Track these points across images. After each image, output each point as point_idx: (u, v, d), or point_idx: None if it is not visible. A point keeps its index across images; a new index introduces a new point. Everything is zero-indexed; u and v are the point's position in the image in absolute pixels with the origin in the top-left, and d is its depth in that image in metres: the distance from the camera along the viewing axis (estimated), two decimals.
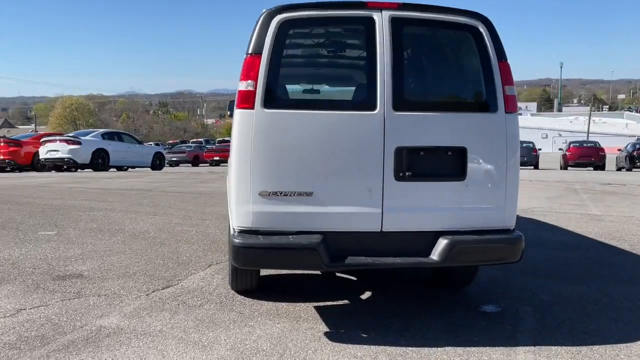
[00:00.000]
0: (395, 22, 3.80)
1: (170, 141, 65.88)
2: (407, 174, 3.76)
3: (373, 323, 4.07)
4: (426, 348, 3.60)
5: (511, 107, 3.89)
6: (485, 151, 3.88)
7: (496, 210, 3.89)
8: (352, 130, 3.74)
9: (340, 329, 3.98)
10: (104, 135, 24.76)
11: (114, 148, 23.90)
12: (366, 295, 4.87)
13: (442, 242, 3.69)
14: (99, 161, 23.09)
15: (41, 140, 24.00)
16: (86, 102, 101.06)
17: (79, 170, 23.32)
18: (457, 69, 4.14)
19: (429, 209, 3.82)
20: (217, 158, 38.83)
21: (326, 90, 4.13)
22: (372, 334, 3.87)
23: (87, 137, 24.05)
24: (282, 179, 3.71)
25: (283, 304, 4.50)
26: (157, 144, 43.56)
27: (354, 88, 4.07)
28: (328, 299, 4.65)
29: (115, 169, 24.34)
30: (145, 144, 33.79)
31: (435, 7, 3.90)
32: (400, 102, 3.77)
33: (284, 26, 3.76)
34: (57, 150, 22.74)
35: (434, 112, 3.85)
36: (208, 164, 38.70)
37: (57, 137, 24.45)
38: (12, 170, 23.99)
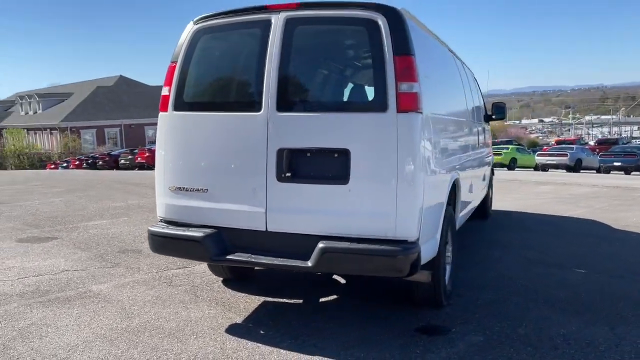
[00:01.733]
0: (288, 23, 3.73)
1: None
2: (288, 175, 3.67)
3: (288, 326, 4.04)
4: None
5: (405, 106, 3.45)
6: (372, 154, 3.49)
7: (384, 218, 3.48)
8: (240, 131, 3.82)
9: (250, 323, 4.09)
10: None
11: None
12: (327, 298, 4.76)
13: (317, 248, 3.51)
14: None
15: None
16: None
17: None
18: (348, 67, 3.79)
19: (310, 212, 3.64)
20: None
21: (224, 93, 4.18)
22: (273, 334, 3.88)
23: None
24: (184, 176, 4.01)
25: (240, 294, 4.74)
26: None
27: (247, 90, 4.06)
28: (284, 297, 4.71)
29: None
30: None
31: (334, 4, 3.64)
32: (284, 103, 3.69)
33: (196, 35, 4.06)
34: None
35: (317, 112, 3.65)
36: None
37: None
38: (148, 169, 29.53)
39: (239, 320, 4.15)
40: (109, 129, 51.53)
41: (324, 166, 3.62)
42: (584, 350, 3.63)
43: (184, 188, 4.01)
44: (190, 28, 4.11)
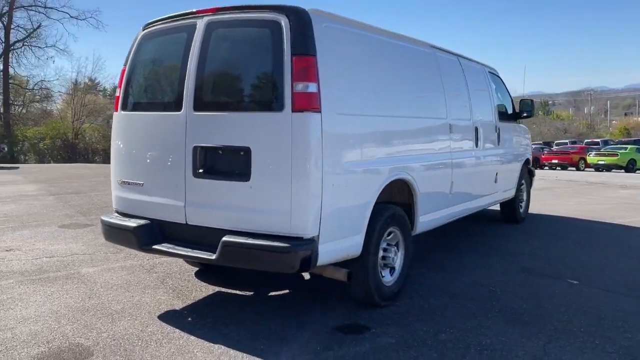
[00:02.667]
0: (208, 27, 3.94)
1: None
2: (201, 171, 3.87)
3: (216, 316, 4.23)
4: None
5: (300, 106, 3.49)
6: (270, 152, 3.57)
7: (281, 215, 3.55)
8: (165, 129, 4.09)
9: (186, 310, 4.35)
10: None
11: None
12: (278, 292, 4.89)
13: (220, 241, 3.67)
14: None
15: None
16: None
17: None
18: (252, 67, 3.83)
19: (219, 207, 3.81)
20: (556, 161, 33.86)
21: (156, 94, 4.41)
22: (197, 321, 4.11)
23: None
24: (127, 171, 4.39)
25: (202, 284, 5.02)
26: None
27: (173, 91, 4.23)
28: (239, 289, 4.90)
29: None
30: None
31: (246, 7, 3.78)
32: (199, 103, 3.90)
33: (140, 41, 4.45)
34: None
35: (225, 112, 3.79)
36: (547, 167, 34.53)
37: None
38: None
39: (179, 307, 4.42)
40: None
41: (231, 163, 3.78)
42: None
43: (127, 182, 4.37)
44: (138, 33, 4.48)
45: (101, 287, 4.91)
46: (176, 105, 4.03)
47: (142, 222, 4.17)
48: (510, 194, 7.84)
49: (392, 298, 4.47)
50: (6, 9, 39.23)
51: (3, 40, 39.50)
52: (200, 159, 3.90)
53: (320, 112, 3.58)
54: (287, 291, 4.94)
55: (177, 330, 3.92)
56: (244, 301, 4.65)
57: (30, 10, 40.16)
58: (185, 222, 4.01)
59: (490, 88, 7.00)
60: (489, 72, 7.29)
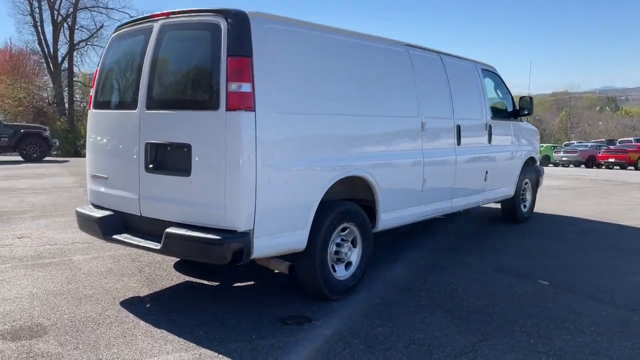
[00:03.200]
0: (161, 30, 4.25)
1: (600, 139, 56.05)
2: (151, 166, 4.18)
3: (172, 303, 4.51)
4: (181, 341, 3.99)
5: (234, 105, 3.72)
6: (207, 149, 3.81)
7: (218, 209, 3.78)
8: (124, 126, 4.42)
9: (148, 297, 4.65)
10: None
11: None
12: (243, 284, 5.10)
13: (164, 233, 3.95)
14: None
15: None
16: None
17: None
18: (195, 68, 4.06)
19: (166, 200, 4.08)
20: (613, 160, 32.56)
21: (118, 93, 4.71)
22: (153, 308, 4.40)
23: None
24: (97, 165, 4.76)
25: (175, 274, 5.32)
26: None
27: (131, 90, 4.48)
28: (207, 280, 5.17)
29: None
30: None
31: (194, 11, 4.05)
32: (150, 102, 4.21)
33: (110, 42, 4.84)
34: None
35: (170, 110, 4.09)
36: (604, 166, 33.30)
37: None
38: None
39: (144, 294, 4.73)
40: None
41: (175, 159, 4.05)
42: (416, 354, 3.60)
43: (96, 175, 4.72)
44: (110, 35, 4.85)
45: (83, 274, 5.29)
46: (133, 104, 4.35)
47: (107, 213, 4.50)
48: (507, 192, 7.77)
49: (346, 292, 4.62)
50: (71, 10, 41.28)
51: (68, 39, 41.53)
52: (151, 155, 4.19)
53: (254, 111, 3.80)
54: (252, 282, 5.17)
55: (131, 315, 4.22)
56: (207, 290, 4.91)
57: (93, 11, 42.10)
58: (140, 214, 4.31)
59: (481, 86, 6.97)
60: (483, 69, 7.24)
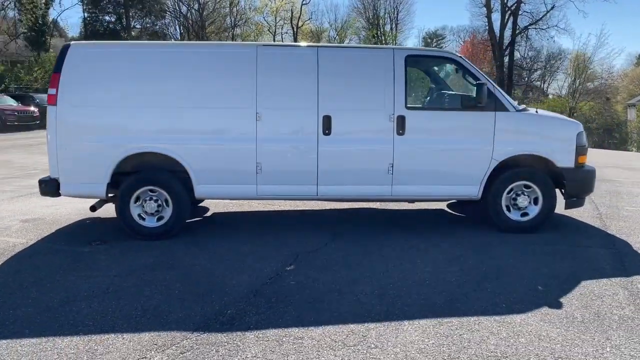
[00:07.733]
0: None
1: None
2: None
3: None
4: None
5: (48, 102, 6.25)
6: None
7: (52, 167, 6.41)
8: None
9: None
10: None
11: None
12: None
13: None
14: None
15: None
16: None
17: None
18: None
19: None
20: None
21: None
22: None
23: None
24: None
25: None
26: None
27: None
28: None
29: None
30: None
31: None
32: None
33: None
34: None
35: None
36: None
37: None
38: None
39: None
40: None
41: None
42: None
43: None
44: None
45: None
46: None
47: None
48: (463, 191, 6.67)
49: (155, 237, 6.34)
50: None
51: (511, 26, 42.11)
52: None
53: (55, 105, 6.18)
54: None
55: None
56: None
57: None
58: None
59: (391, 75, 6.48)
60: (409, 56, 6.62)
